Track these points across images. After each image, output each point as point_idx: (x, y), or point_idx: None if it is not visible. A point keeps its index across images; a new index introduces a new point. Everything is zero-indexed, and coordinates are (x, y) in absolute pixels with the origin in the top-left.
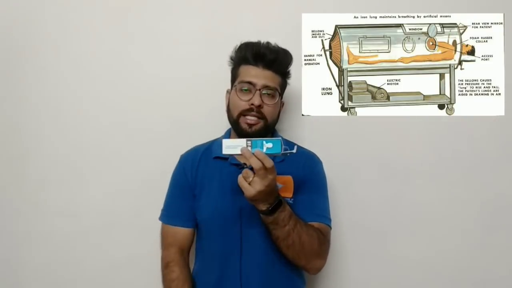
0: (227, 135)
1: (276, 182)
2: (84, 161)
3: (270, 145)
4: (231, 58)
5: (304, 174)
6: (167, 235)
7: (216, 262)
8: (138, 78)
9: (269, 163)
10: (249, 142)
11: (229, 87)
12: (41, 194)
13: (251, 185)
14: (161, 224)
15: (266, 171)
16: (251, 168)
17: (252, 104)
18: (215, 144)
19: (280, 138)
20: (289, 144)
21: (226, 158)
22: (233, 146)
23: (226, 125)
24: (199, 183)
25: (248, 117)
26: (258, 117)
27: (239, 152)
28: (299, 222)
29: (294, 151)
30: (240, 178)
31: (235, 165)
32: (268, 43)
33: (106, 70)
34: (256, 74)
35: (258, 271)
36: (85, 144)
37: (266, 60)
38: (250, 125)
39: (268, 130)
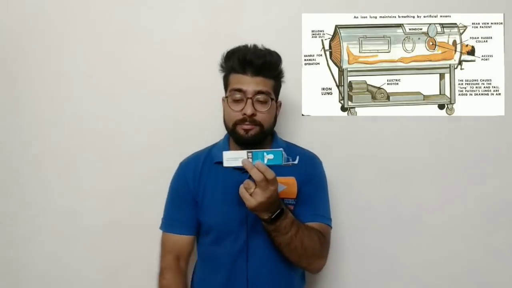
0: (226, 139)
1: (277, 192)
2: (84, 161)
3: (271, 156)
4: (221, 66)
5: (305, 175)
6: (167, 243)
7: (222, 268)
8: (138, 79)
9: (270, 174)
10: (249, 153)
11: None
12: (41, 194)
13: (252, 196)
14: (161, 233)
15: (267, 183)
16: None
17: (245, 114)
18: (215, 148)
19: (281, 149)
20: (291, 148)
21: None
22: (233, 158)
23: None
24: (202, 190)
25: (244, 125)
26: (253, 124)
27: (240, 165)
28: (300, 227)
29: (296, 162)
30: (241, 189)
31: (238, 169)
32: (255, 46)
33: (106, 70)
34: (246, 82)
35: (265, 276)
36: (85, 144)
37: (253, 67)
38: (247, 131)
39: (265, 135)
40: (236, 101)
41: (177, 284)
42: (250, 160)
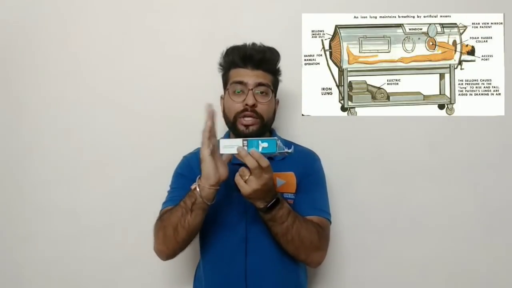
0: (226, 136)
1: (273, 181)
2: (84, 161)
3: (265, 144)
4: (220, 64)
5: (304, 171)
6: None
7: (221, 260)
8: (137, 79)
9: (264, 162)
10: (245, 141)
11: None
12: (41, 194)
13: (247, 183)
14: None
15: (261, 170)
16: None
17: (247, 104)
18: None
19: (276, 138)
20: (288, 144)
21: None
22: (230, 146)
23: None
24: None
25: (244, 118)
26: (254, 117)
27: (235, 152)
28: (297, 218)
29: (291, 151)
30: (236, 176)
31: (237, 165)
32: (254, 44)
33: (106, 70)
34: (247, 74)
35: (264, 267)
36: (85, 144)
37: (254, 61)
38: (247, 126)
39: (265, 129)
40: (237, 93)
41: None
42: (245, 148)
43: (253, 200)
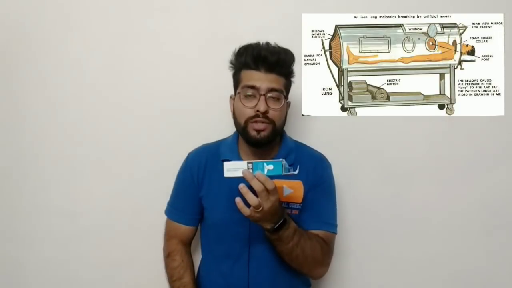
0: (235, 137)
1: (279, 202)
2: (84, 161)
3: (271, 167)
4: (231, 63)
5: (313, 180)
6: (170, 229)
7: (224, 264)
8: (138, 78)
9: (270, 185)
10: (250, 164)
11: (229, 87)
12: (41, 194)
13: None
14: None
15: (268, 193)
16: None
17: (258, 111)
18: (223, 145)
19: (281, 160)
20: (300, 148)
21: None
22: (234, 169)
23: (227, 125)
24: (206, 184)
25: (256, 123)
26: (266, 122)
27: (240, 175)
28: (303, 236)
29: (296, 172)
30: (240, 204)
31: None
32: (267, 44)
33: (106, 70)
34: (259, 78)
35: (266, 274)
36: (85, 144)
37: (267, 64)
38: (258, 131)
39: (276, 133)
40: (248, 97)
41: (187, 264)
42: (251, 170)
43: (260, 223)
